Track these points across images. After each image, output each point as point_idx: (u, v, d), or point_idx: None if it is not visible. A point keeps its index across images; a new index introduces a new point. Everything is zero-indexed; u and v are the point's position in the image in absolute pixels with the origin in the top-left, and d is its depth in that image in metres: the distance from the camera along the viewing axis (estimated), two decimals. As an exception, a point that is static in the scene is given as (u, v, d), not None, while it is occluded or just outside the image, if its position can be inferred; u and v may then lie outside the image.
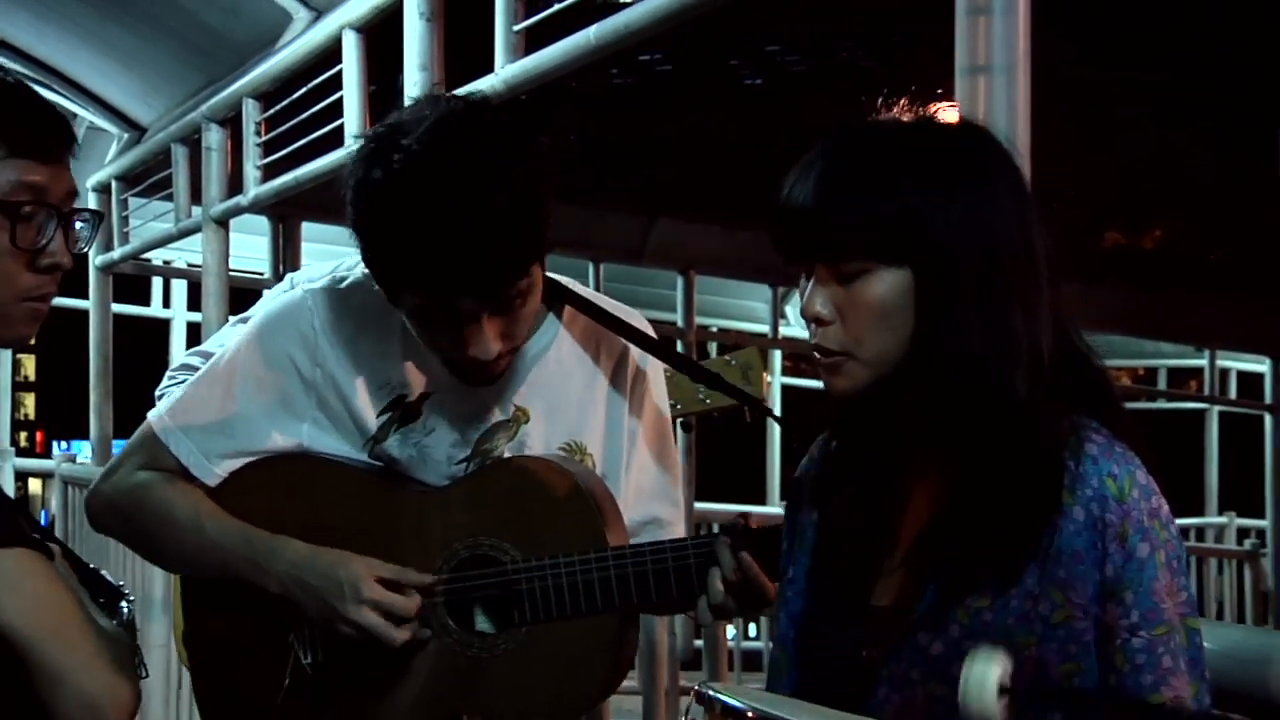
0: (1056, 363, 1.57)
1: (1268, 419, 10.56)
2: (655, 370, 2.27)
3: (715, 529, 3.72)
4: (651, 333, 2.26)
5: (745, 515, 2.04)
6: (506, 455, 2.15)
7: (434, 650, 2.10)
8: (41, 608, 1.68)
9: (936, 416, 1.58)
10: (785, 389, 9.94)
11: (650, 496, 2.25)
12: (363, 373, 2.14)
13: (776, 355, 9.82)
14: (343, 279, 2.19)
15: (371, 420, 2.14)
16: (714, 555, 1.98)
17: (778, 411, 9.88)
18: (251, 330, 2.21)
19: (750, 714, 1.23)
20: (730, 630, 7.56)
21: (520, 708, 2.12)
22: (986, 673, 1.19)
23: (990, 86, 2.38)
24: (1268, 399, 10.70)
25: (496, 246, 1.91)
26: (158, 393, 3.01)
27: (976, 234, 1.54)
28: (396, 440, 2.14)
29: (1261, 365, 10.95)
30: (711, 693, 1.25)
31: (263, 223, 7.05)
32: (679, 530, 2.28)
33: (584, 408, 2.20)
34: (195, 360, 3.04)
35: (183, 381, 3.05)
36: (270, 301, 2.34)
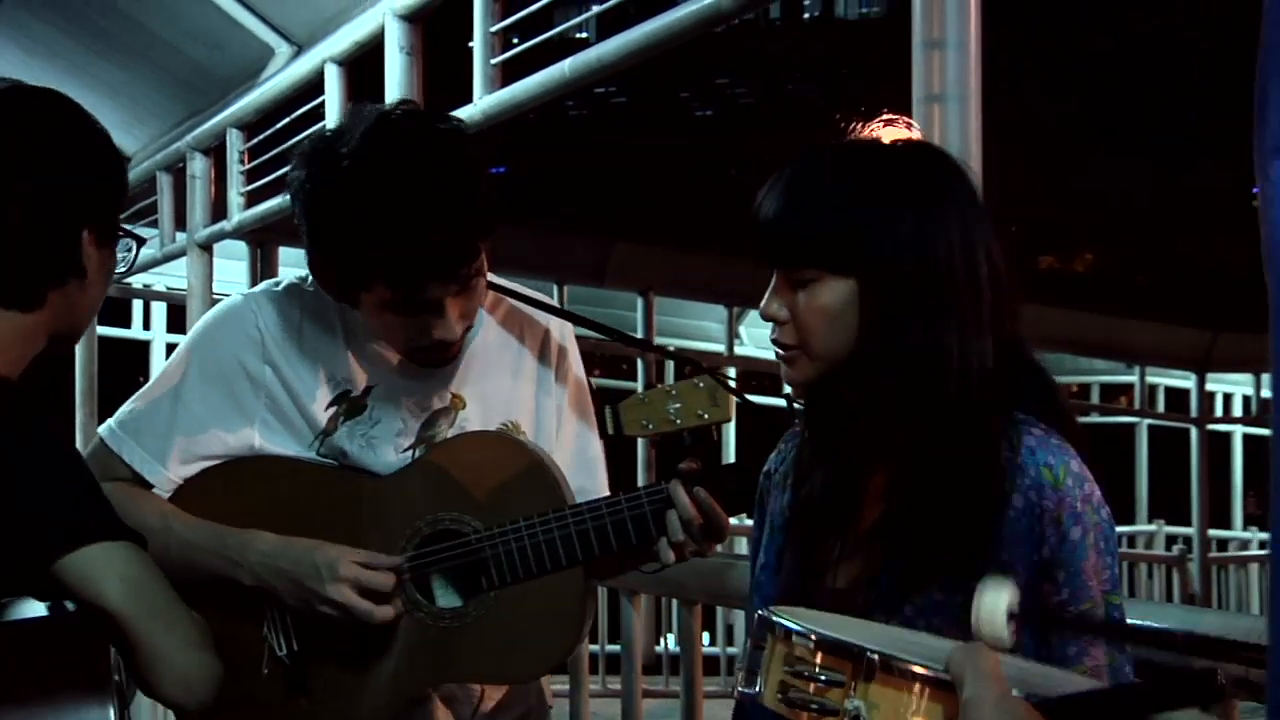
0: (1000, 367, 1.65)
1: (1193, 432, 10.74)
2: (573, 344, 2.31)
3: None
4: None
5: (694, 460, 2.08)
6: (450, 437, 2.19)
7: (406, 626, 2.11)
8: (144, 593, 1.75)
9: (876, 414, 1.66)
10: (739, 405, 9.98)
11: (579, 464, 2.28)
12: (309, 370, 2.15)
13: (730, 372, 9.87)
14: (278, 283, 2.22)
15: (320, 415, 2.16)
16: (668, 499, 2.02)
17: (732, 425, 9.96)
18: (196, 336, 2.21)
19: (812, 636, 1.26)
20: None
21: (497, 669, 2.15)
22: (998, 600, 1.24)
23: (944, 114, 2.48)
24: (1193, 413, 10.88)
25: (455, 230, 1.97)
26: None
27: (919, 251, 1.63)
28: (345, 432, 2.16)
29: (1187, 381, 11.13)
30: (775, 617, 1.28)
31: (241, 248, 7.06)
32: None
33: (514, 388, 2.23)
34: None
35: None
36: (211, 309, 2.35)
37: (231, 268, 7.45)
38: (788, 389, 1.76)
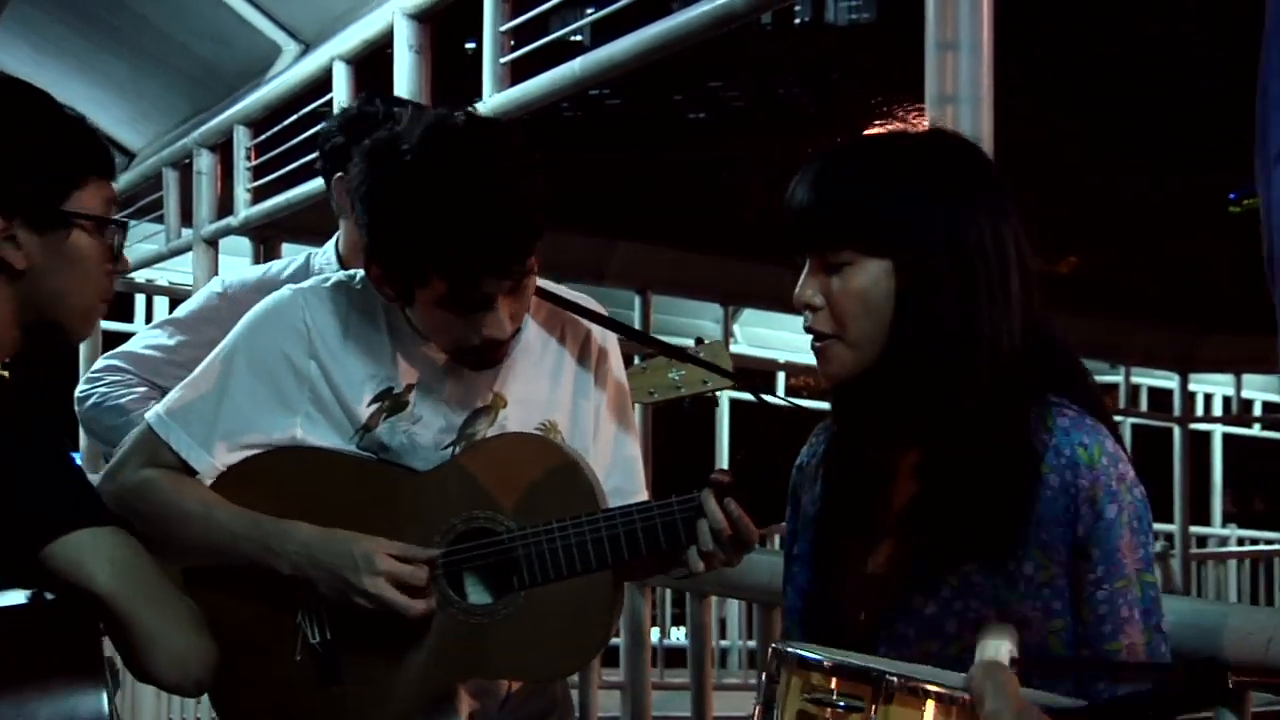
0: (1028, 350, 1.64)
1: (1176, 431, 10.74)
2: (614, 348, 2.30)
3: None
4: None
5: (725, 471, 2.07)
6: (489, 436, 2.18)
7: (437, 621, 2.09)
8: (134, 576, 1.72)
9: (911, 398, 1.64)
10: (732, 402, 9.98)
11: (617, 470, 2.26)
12: (353, 365, 2.14)
13: (724, 370, 9.83)
14: (326, 279, 2.21)
15: (362, 410, 2.14)
16: (699, 508, 2.00)
17: (727, 427, 9.96)
18: (244, 328, 2.20)
19: (827, 664, 1.26)
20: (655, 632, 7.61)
21: (525, 666, 2.13)
22: (1000, 645, 1.28)
23: (957, 115, 2.45)
24: (1176, 412, 10.89)
25: (512, 227, 1.97)
26: (78, 393, 3.00)
27: (952, 231, 1.62)
28: (386, 428, 2.14)
29: (1170, 381, 11.14)
30: (789, 648, 1.28)
31: (244, 244, 7.03)
32: (643, 498, 2.28)
33: (553, 389, 2.22)
34: (117, 361, 3.03)
35: (106, 381, 3.06)
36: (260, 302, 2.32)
37: (234, 264, 7.42)
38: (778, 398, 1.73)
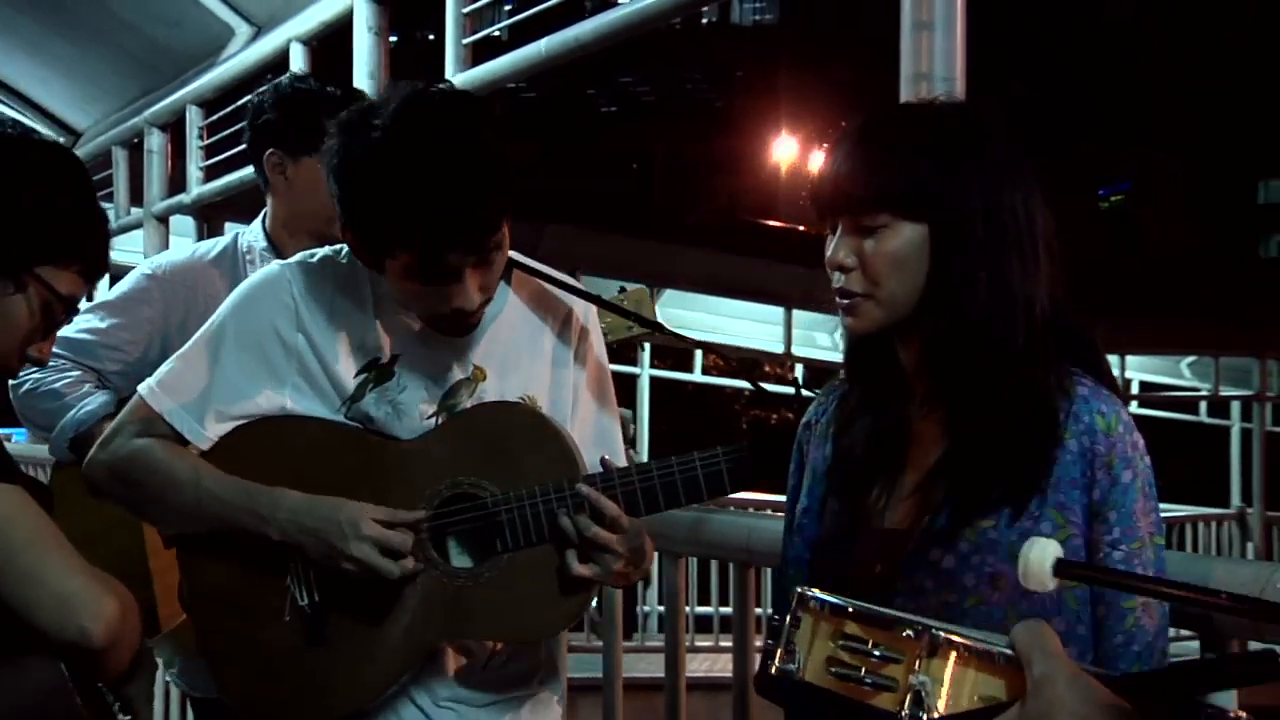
0: (1049, 322, 1.61)
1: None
2: (595, 326, 2.26)
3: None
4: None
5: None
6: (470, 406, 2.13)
7: (422, 583, 2.05)
8: (12, 526, 1.62)
9: (942, 359, 1.62)
10: (652, 380, 9.93)
11: (595, 442, 2.21)
12: (340, 337, 2.10)
13: (647, 348, 9.81)
14: (313, 254, 2.16)
15: (349, 381, 2.10)
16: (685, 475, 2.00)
17: (647, 402, 9.90)
18: (233, 303, 2.15)
19: (851, 609, 1.20)
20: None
21: (507, 627, 2.09)
22: (1045, 552, 1.21)
23: (931, 94, 2.39)
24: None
25: (476, 203, 1.91)
26: (12, 380, 2.85)
27: (988, 198, 1.59)
28: (373, 398, 2.10)
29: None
30: (817, 594, 1.22)
31: (188, 223, 6.82)
32: None
33: (532, 363, 2.18)
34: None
35: (49, 366, 2.93)
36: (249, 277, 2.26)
37: (184, 243, 7.21)
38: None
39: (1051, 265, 1.63)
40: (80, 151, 6.40)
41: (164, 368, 2.16)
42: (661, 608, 7.68)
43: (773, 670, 1.25)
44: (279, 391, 2.10)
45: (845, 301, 1.64)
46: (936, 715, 1.15)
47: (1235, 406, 11.74)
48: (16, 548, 1.61)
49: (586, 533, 1.99)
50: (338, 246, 2.14)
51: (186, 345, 2.17)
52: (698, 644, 7.84)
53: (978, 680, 1.16)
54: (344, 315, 2.10)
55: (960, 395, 1.61)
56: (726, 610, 8.09)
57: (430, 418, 2.11)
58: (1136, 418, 1.62)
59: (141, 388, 2.15)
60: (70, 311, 1.82)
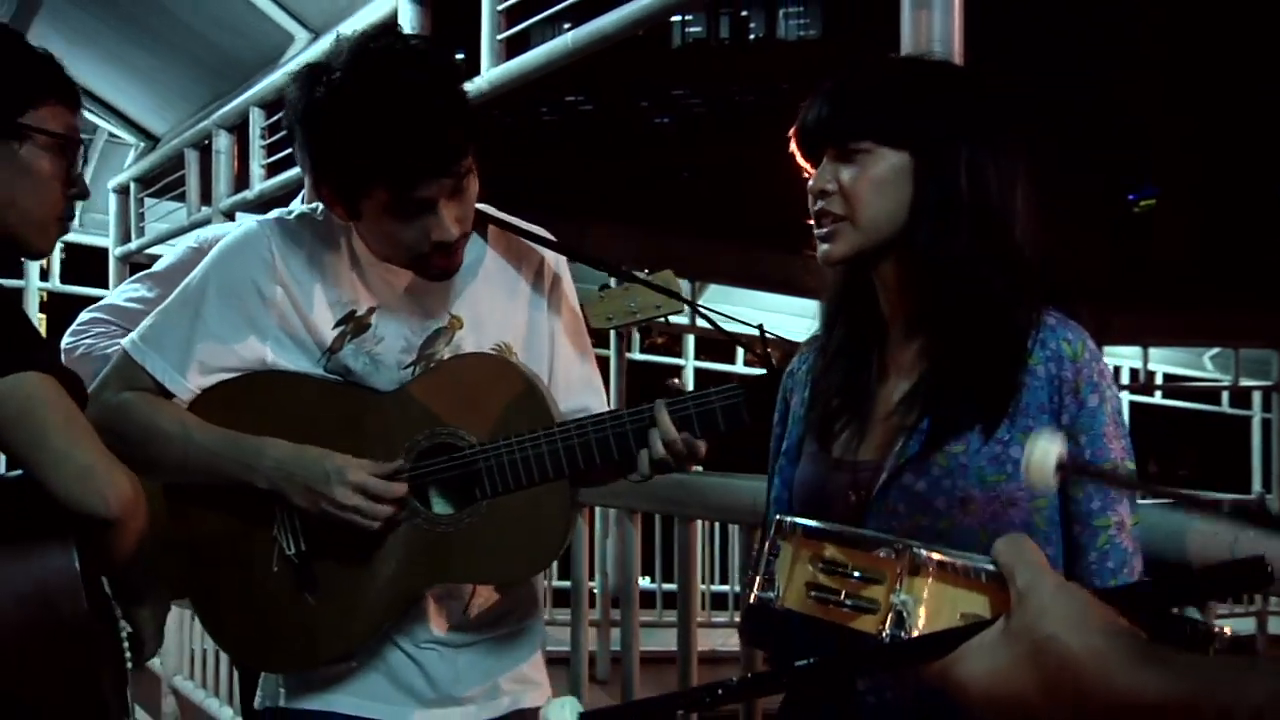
0: (1027, 262, 1.56)
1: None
2: (566, 274, 2.21)
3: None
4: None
5: (677, 379, 1.99)
6: (447, 357, 2.10)
7: (405, 531, 2.03)
8: (46, 408, 1.67)
9: (920, 289, 1.57)
10: (697, 371, 9.90)
11: (579, 388, 2.19)
12: (317, 290, 2.06)
13: (691, 341, 9.79)
14: (290, 211, 2.12)
15: (327, 334, 2.06)
16: (652, 420, 1.94)
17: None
18: (214, 258, 2.10)
19: (830, 531, 1.13)
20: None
21: (488, 571, 2.06)
22: (1048, 451, 1.13)
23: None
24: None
25: (442, 125, 1.89)
26: (64, 344, 2.90)
27: (971, 129, 1.55)
28: (350, 350, 2.06)
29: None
30: (794, 520, 1.15)
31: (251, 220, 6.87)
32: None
33: (508, 312, 2.13)
34: (100, 314, 2.95)
35: (92, 333, 2.94)
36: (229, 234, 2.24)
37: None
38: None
39: (1029, 208, 1.58)
40: (157, 155, 6.46)
41: (146, 321, 2.12)
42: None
43: (751, 599, 1.17)
44: (260, 344, 2.06)
45: (823, 229, 1.59)
46: (918, 634, 1.07)
47: (1256, 396, 11.53)
48: (49, 428, 1.65)
49: (676, 447, 1.95)
50: (315, 204, 2.11)
51: (169, 300, 2.13)
52: (714, 620, 7.77)
53: (960, 598, 1.08)
54: (321, 269, 2.06)
55: (935, 324, 1.57)
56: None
57: (408, 368, 2.08)
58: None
59: (125, 341, 2.11)
60: (77, 145, 1.82)
